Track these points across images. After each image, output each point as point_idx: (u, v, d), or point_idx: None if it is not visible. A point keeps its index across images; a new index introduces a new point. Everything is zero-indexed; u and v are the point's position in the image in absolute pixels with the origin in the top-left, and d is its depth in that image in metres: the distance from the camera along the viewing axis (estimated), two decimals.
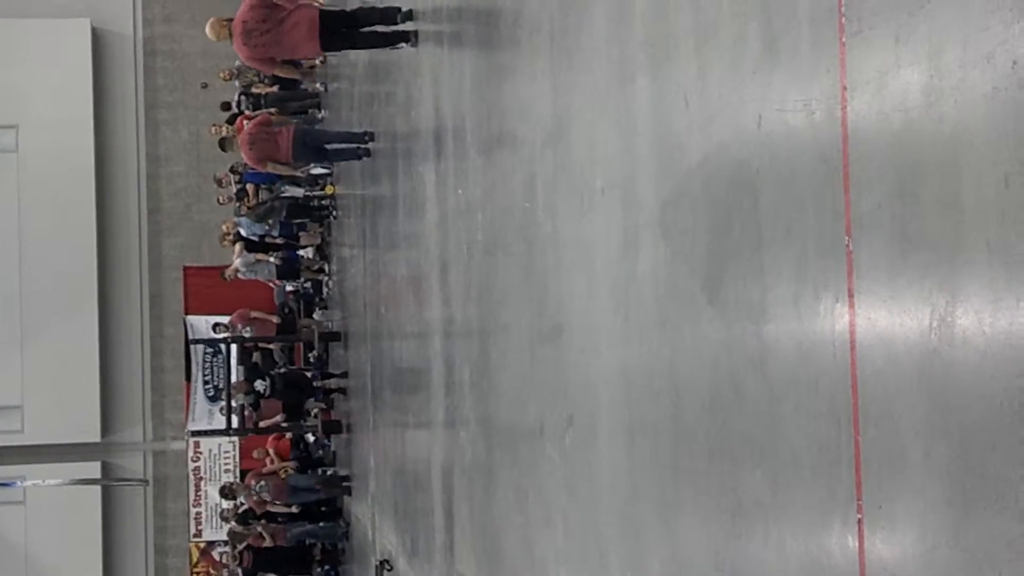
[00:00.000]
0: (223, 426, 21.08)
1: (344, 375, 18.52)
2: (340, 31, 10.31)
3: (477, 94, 9.12)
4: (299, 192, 19.18)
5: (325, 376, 19.58)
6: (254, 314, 21.35)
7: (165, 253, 27.74)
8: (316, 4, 10.47)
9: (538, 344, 7.53)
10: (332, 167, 17.74)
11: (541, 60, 7.32)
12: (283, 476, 19.87)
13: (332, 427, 19.17)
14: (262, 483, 19.59)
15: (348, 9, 11.48)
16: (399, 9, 10.46)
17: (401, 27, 10.66)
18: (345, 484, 18.79)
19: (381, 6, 10.76)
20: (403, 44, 10.68)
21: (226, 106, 20.50)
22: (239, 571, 20.32)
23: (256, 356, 21.08)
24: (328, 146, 14.16)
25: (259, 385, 19.76)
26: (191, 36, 27.55)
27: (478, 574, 9.54)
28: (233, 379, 20.82)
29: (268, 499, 19.59)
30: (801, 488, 4.15)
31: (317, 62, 17.10)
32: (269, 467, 20.43)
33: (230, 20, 10.35)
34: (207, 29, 11.29)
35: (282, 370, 20.72)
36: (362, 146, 13.88)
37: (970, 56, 3.21)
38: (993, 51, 3.11)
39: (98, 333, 27.16)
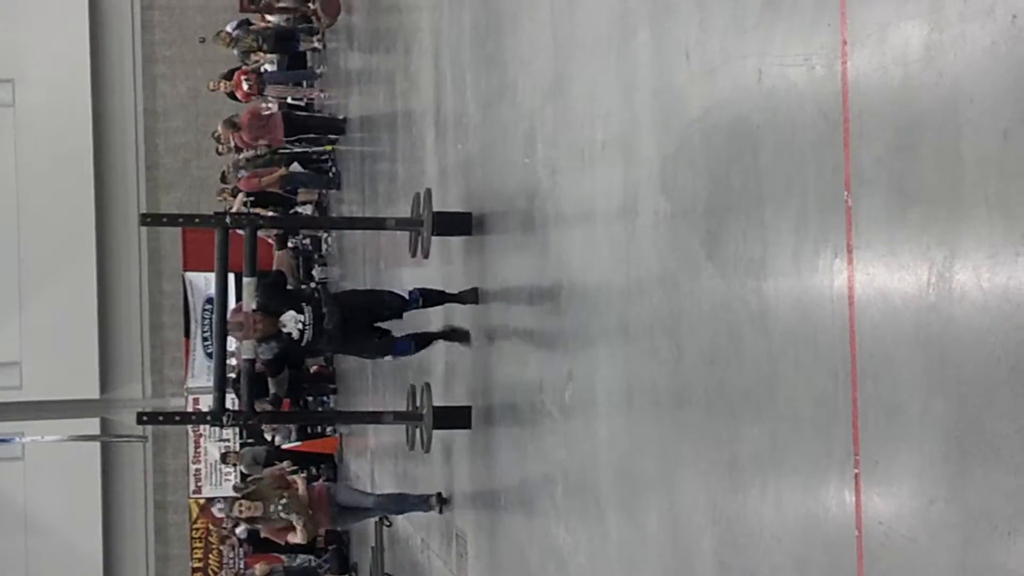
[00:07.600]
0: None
1: (474, 296, 9.32)
2: (296, 126, 18.10)
3: (477, 48, 9.08)
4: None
5: (429, 300, 10.00)
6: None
7: (163, 209, 27.57)
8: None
9: (538, 299, 7.54)
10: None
11: (542, 13, 7.29)
12: (326, 482, 12.90)
13: (449, 419, 9.87)
14: (284, 501, 10.99)
15: (303, 115, 18.96)
16: (341, 119, 17.32)
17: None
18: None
19: (328, 115, 18.79)
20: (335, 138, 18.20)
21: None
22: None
23: (288, 259, 11.72)
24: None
25: (290, 321, 9.27)
26: None
27: (477, 531, 9.59)
28: (233, 308, 10.02)
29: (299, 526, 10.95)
30: (799, 443, 4.16)
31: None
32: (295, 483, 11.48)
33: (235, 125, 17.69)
34: (220, 127, 18.30)
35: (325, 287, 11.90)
36: (331, 180, 18.74)
37: (970, 10, 3.19)
38: (993, 5, 3.10)
39: (97, 289, 27.11)
